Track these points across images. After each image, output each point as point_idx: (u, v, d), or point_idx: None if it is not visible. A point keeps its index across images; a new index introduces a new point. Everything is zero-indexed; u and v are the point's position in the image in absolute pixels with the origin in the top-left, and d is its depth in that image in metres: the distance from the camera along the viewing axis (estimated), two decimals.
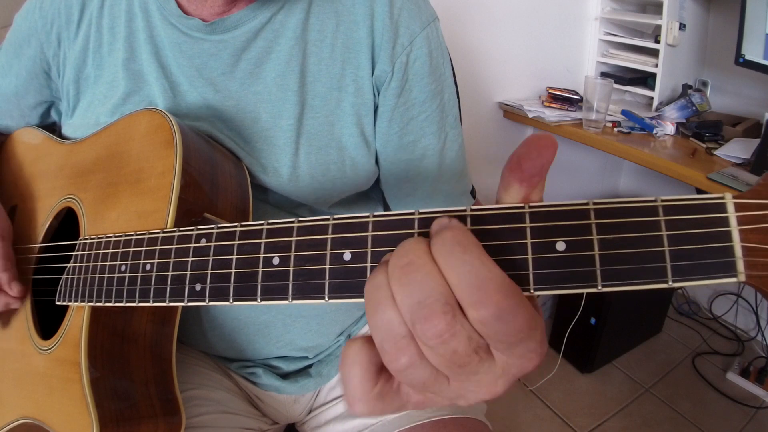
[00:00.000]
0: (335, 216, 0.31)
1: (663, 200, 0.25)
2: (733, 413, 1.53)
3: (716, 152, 1.37)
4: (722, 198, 0.24)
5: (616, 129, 1.58)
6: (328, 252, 0.31)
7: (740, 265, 0.24)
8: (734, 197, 0.24)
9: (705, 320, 1.93)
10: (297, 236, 0.32)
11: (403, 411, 0.29)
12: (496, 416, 0.76)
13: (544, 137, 0.27)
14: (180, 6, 0.59)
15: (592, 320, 1.61)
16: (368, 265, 0.29)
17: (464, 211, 0.27)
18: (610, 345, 1.69)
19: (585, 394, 1.61)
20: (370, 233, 0.30)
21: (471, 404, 0.28)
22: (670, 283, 0.24)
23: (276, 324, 0.65)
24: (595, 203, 0.26)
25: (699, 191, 1.60)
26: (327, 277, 0.30)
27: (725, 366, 1.70)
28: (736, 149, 1.34)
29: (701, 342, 1.83)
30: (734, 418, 1.51)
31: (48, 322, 0.57)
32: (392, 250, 0.27)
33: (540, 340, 0.26)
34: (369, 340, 0.28)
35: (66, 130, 0.65)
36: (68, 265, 0.53)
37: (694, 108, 1.57)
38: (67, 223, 0.60)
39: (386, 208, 0.75)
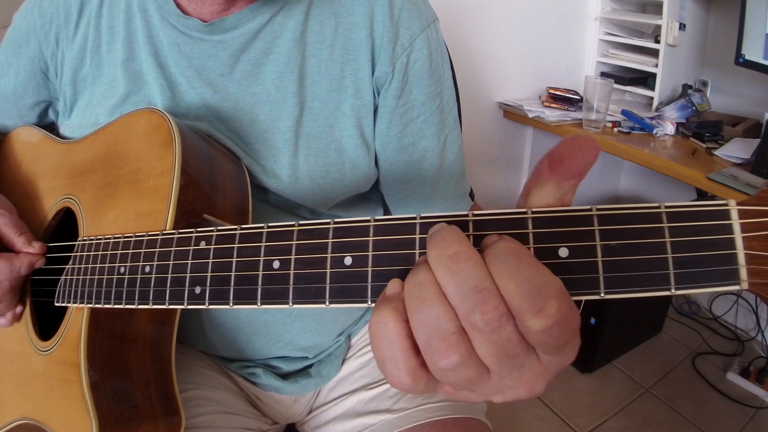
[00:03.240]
0: (336, 220, 0.31)
1: (667, 206, 0.25)
2: (733, 413, 1.53)
3: (716, 152, 1.37)
4: (726, 204, 0.24)
5: (616, 129, 1.58)
6: (328, 256, 0.30)
7: (743, 273, 0.23)
8: (738, 203, 0.24)
9: (705, 320, 1.93)
10: (297, 240, 0.32)
11: (435, 393, 0.28)
12: (496, 416, 0.76)
13: (588, 140, 0.26)
14: (179, 6, 0.58)
15: (592, 320, 1.60)
16: (369, 269, 0.29)
17: (466, 216, 0.27)
18: (610, 345, 1.68)
19: (585, 394, 1.61)
20: (371, 238, 0.29)
21: (507, 401, 0.28)
22: (672, 291, 0.24)
23: (276, 324, 0.65)
24: (598, 209, 0.25)
25: (699, 191, 1.60)
26: (328, 281, 0.30)
27: (725, 366, 1.70)
28: (736, 149, 1.34)
29: (701, 342, 1.83)
30: (734, 418, 1.51)
31: (47, 322, 0.57)
32: (393, 254, 0.26)
33: (578, 337, 0.26)
34: (395, 310, 0.27)
35: (64, 131, 0.64)
36: (67, 266, 0.53)
37: (694, 108, 1.57)
38: (65, 223, 0.60)
39: (386, 209, 0.75)
